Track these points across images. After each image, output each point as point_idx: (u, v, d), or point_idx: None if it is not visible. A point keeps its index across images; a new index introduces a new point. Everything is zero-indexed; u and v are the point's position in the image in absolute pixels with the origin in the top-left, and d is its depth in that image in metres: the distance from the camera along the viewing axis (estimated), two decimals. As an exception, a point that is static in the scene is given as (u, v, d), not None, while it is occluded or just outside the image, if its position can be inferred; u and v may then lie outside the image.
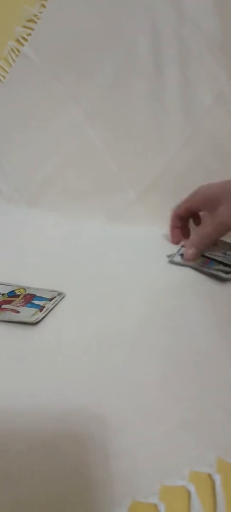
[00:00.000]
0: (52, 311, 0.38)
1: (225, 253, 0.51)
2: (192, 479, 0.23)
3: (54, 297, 0.40)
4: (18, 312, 0.38)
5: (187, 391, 0.29)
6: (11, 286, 0.43)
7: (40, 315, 0.37)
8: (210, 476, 0.23)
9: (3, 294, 0.41)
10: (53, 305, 0.39)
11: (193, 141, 0.64)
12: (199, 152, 0.64)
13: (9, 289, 0.42)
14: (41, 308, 0.38)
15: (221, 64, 0.63)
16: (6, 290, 0.42)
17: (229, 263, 0.47)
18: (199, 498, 0.22)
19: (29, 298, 0.40)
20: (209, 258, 0.50)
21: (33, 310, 0.38)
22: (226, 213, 0.45)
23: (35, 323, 0.36)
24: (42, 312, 0.37)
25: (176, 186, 0.64)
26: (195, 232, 0.50)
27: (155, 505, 0.22)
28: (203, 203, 0.48)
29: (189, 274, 0.47)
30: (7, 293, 0.42)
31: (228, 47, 0.62)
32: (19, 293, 0.42)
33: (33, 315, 0.37)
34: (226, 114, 0.63)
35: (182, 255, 0.49)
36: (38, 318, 0.36)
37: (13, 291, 0.42)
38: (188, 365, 0.32)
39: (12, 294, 0.41)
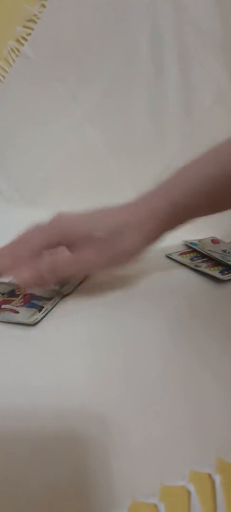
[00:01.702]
0: (52, 311, 0.38)
1: (224, 251, 0.51)
2: (192, 479, 0.23)
3: (54, 297, 0.40)
4: (17, 312, 0.38)
5: (187, 391, 0.29)
6: (12, 285, 0.43)
7: (39, 315, 0.36)
8: (210, 476, 0.23)
9: (3, 294, 0.41)
10: (52, 305, 0.39)
11: (193, 141, 0.64)
12: (199, 152, 0.64)
13: (10, 288, 0.42)
14: (40, 308, 0.38)
15: (221, 64, 0.63)
16: (6, 289, 0.42)
17: (226, 262, 0.47)
18: (199, 498, 0.22)
19: (29, 298, 0.40)
20: (204, 254, 0.50)
21: (32, 310, 0.38)
22: (90, 255, 0.37)
23: (33, 324, 0.36)
24: (41, 312, 0.37)
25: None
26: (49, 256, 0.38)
27: (155, 505, 0.22)
28: (63, 238, 0.38)
29: (187, 275, 0.47)
30: (7, 293, 0.42)
31: (228, 47, 0.62)
32: (19, 293, 0.41)
33: (32, 315, 0.37)
34: (226, 114, 0.63)
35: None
36: (36, 319, 0.36)
37: (13, 290, 0.42)
38: (188, 365, 0.32)
39: (12, 294, 0.41)
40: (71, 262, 0.37)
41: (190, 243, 0.54)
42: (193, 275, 0.46)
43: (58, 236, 0.37)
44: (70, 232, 0.37)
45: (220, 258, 0.48)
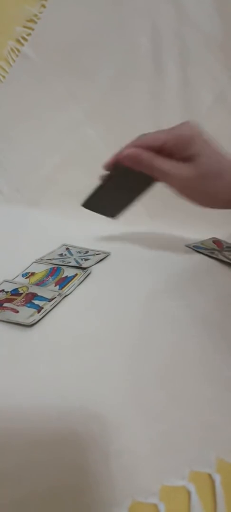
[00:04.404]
0: (52, 311, 0.38)
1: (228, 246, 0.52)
2: (192, 479, 0.23)
3: (54, 297, 0.40)
4: (17, 312, 0.38)
5: (187, 391, 0.29)
6: (16, 284, 0.43)
7: (37, 316, 0.37)
8: (210, 476, 0.23)
9: (6, 292, 0.42)
10: (52, 306, 0.39)
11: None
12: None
13: (14, 286, 0.43)
14: (39, 309, 0.38)
15: (222, 64, 0.63)
16: (10, 287, 0.42)
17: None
18: (199, 498, 0.22)
19: (30, 297, 0.40)
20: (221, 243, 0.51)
21: (32, 310, 0.38)
22: (188, 174, 0.41)
23: (30, 325, 0.36)
24: (40, 313, 0.37)
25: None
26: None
27: (155, 505, 0.22)
28: (179, 143, 0.42)
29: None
30: (11, 291, 0.42)
31: (228, 47, 0.62)
32: (22, 291, 0.42)
33: (30, 316, 0.37)
34: (226, 114, 0.63)
35: None
36: (34, 320, 0.36)
37: (17, 289, 0.42)
38: (189, 365, 0.32)
39: (15, 292, 0.42)
40: (169, 170, 0.42)
41: (194, 246, 0.53)
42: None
43: (177, 138, 0.41)
44: (186, 141, 0.41)
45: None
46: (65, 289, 0.42)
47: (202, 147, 0.41)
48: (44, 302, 0.39)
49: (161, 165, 0.41)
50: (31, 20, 0.66)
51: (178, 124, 0.43)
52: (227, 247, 0.53)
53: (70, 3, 0.65)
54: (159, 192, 0.65)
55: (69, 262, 0.49)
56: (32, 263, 0.49)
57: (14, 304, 0.39)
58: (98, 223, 0.55)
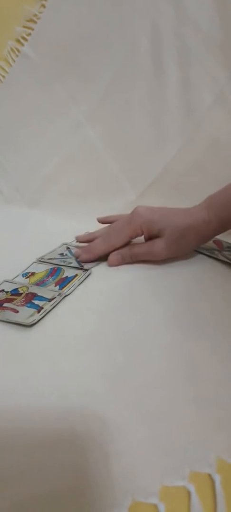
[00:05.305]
0: (52, 311, 0.38)
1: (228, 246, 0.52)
2: (192, 479, 0.23)
3: (54, 297, 0.40)
4: (17, 312, 0.38)
5: (187, 390, 0.29)
6: (16, 284, 0.43)
7: (37, 316, 0.37)
8: (210, 476, 0.23)
9: (6, 292, 0.42)
10: (52, 306, 0.39)
11: (193, 141, 0.64)
12: (199, 152, 0.64)
13: (14, 286, 0.43)
14: (39, 309, 0.38)
15: (221, 63, 0.63)
16: (10, 287, 0.42)
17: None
18: (199, 498, 0.22)
19: (30, 298, 0.40)
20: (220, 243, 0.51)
21: (32, 310, 0.38)
22: (161, 247, 0.47)
23: (30, 325, 0.36)
24: (40, 313, 0.37)
25: (175, 186, 0.64)
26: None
27: (155, 505, 0.22)
28: (143, 230, 0.48)
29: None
30: (11, 291, 0.42)
31: (227, 47, 0.62)
32: (22, 292, 0.42)
33: (30, 316, 0.37)
34: (226, 114, 0.63)
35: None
36: (34, 320, 0.36)
37: (17, 289, 0.42)
38: (189, 365, 0.32)
39: (15, 292, 0.42)
40: (146, 251, 0.48)
41: None
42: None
43: (140, 229, 0.48)
44: (149, 226, 0.47)
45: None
46: (65, 289, 0.42)
47: (161, 221, 0.47)
48: (44, 302, 0.39)
49: (139, 251, 0.48)
50: (31, 20, 0.66)
51: (130, 214, 0.48)
52: (227, 247, 0.53)
53: (70, 3, 0.65)
54: (159, 192, 0.65)
55: (70, 262, 0.49)
56: (32, 263, 0.49)
57: (14, 304, 0.39)
58: (98, 223, 0.55)
